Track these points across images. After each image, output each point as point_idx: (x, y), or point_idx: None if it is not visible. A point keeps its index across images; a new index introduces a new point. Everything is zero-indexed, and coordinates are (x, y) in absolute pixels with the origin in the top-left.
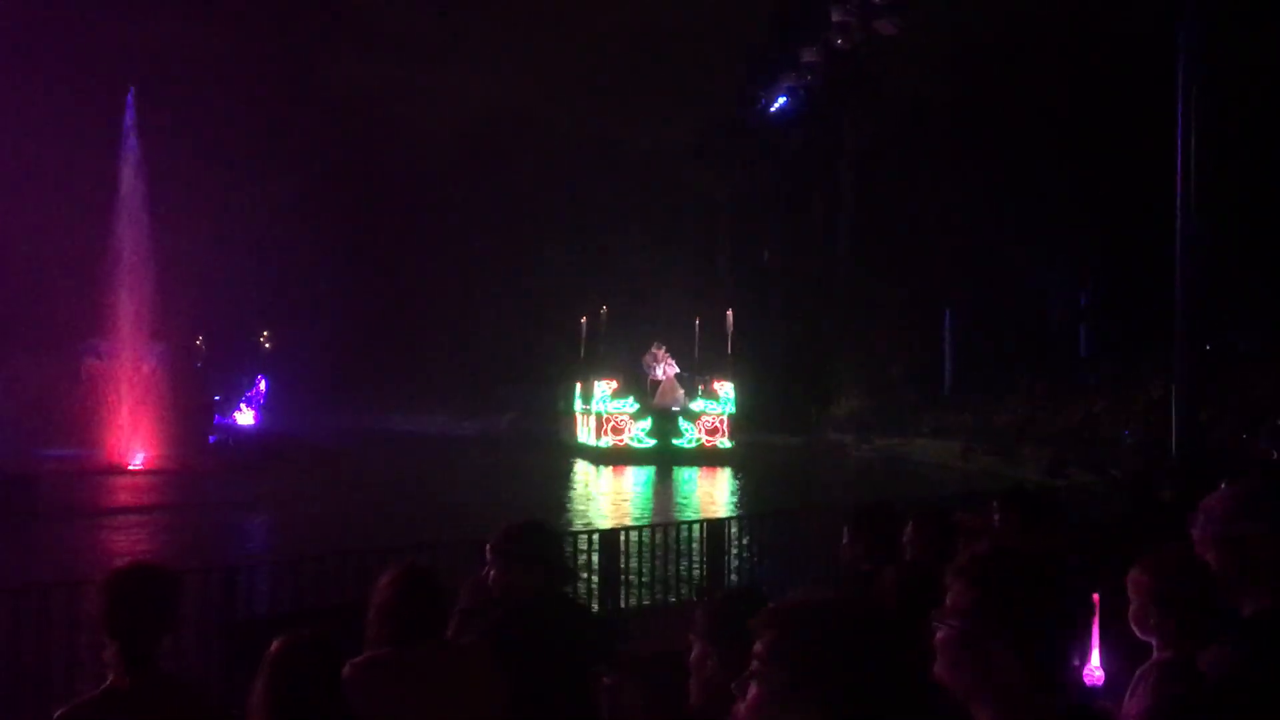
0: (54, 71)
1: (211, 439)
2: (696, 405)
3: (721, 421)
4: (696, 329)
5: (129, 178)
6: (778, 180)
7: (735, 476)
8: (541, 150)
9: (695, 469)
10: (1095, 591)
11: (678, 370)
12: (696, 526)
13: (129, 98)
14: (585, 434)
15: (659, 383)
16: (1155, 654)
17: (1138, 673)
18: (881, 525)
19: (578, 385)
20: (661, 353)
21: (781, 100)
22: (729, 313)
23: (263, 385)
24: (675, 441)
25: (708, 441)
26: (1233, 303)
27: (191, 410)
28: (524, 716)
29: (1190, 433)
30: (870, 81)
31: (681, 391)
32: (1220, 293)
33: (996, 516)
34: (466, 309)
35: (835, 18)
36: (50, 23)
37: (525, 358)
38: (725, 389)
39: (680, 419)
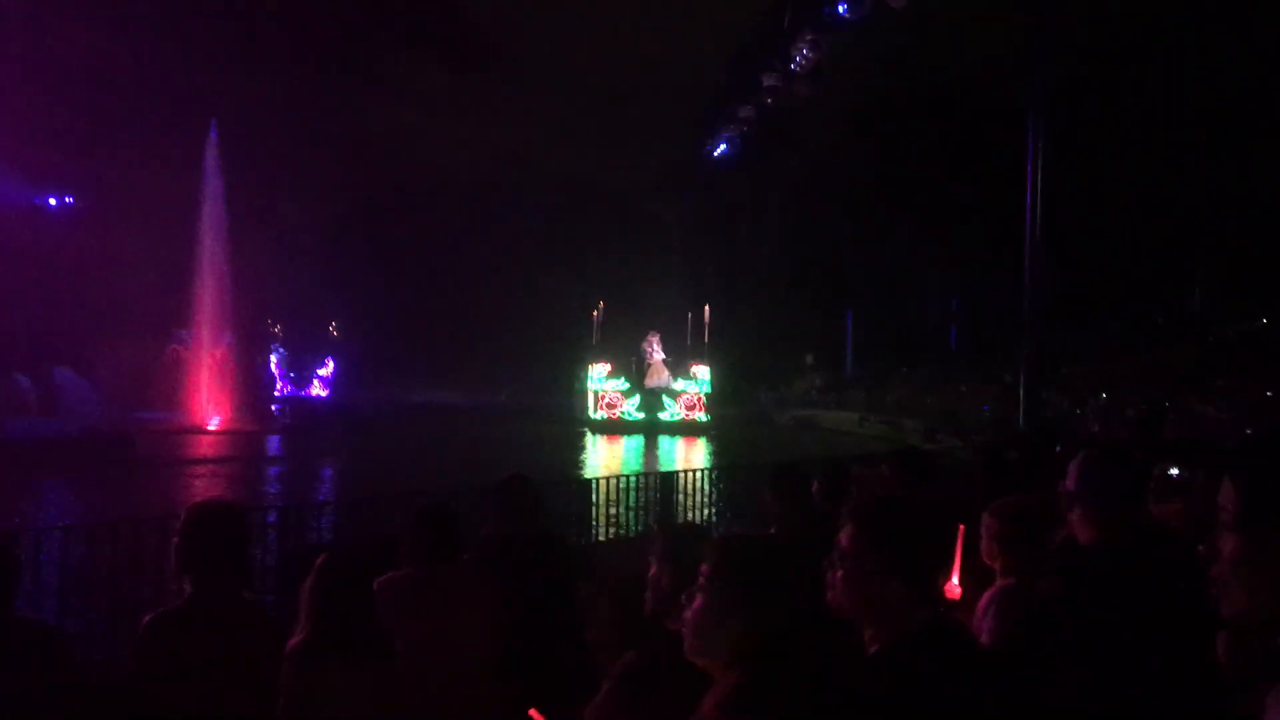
0: (151, 108)
1: (274, 408)
2: (678, 385)
3: (698, 398)
4: (689, 322)
5: (210, 195)
6: (719, 211)
7: (709, 443)
8: (539, 186)
9: (677, 438)
10: (960, 525)
11: (664, 356)
12: (652, 478)
13: (212, 126)
14: (590, 409)
15: (653, 364)
16: (999, 580)
17: (986, 596)
18: (794, 482)
19: (590, 368)
20: (655, 340)
21: (722, 147)
22: (706, 308)
23: (330, 365)
24: (660, 415)
25: (687, 415)
26: (1066, 309)
27: (257, 384)
28: (513, 626)
29: (1033, 409)
30: (791, 134)
31: (668, 373)
32: (1057, 301)
33: (886, 470)
34: (481, 308)
35: (766, 82)
36: (149, 69)
37: (523, 345)
38: (702, 372)
39: (665, 396)
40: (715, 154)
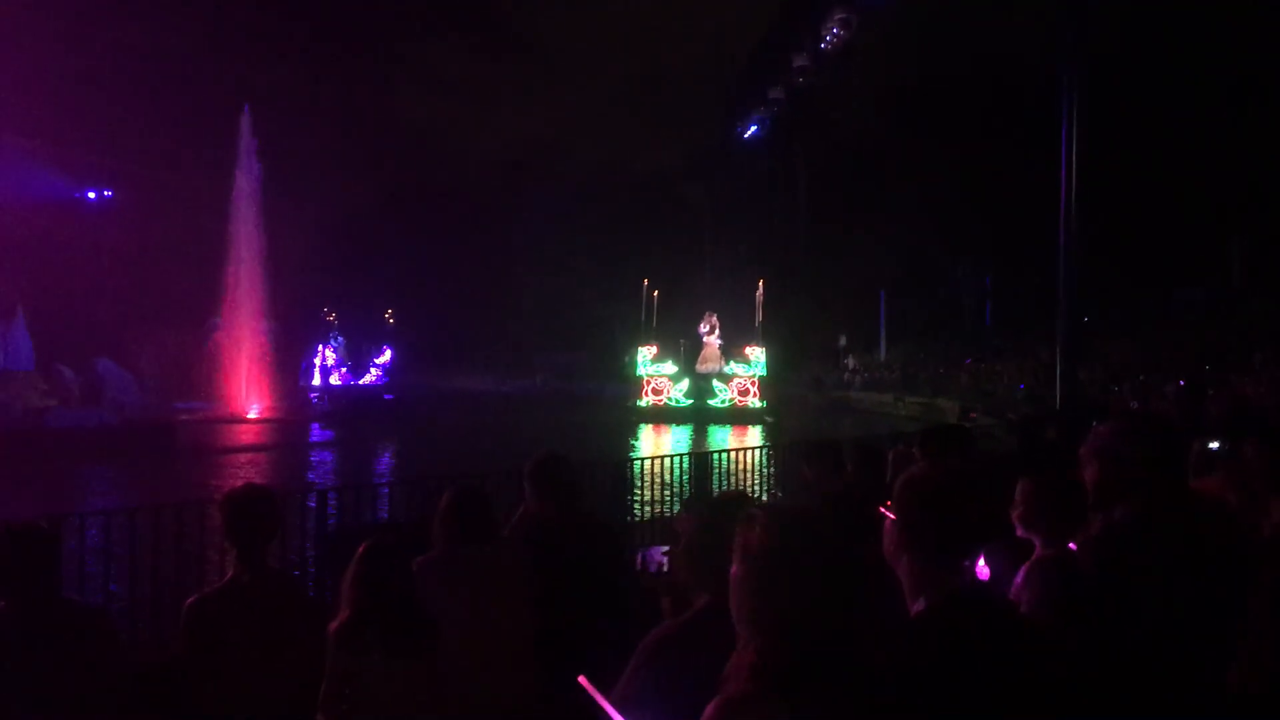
0: (187, 101)
1: (312, 396)
2: (730, 369)
3: (753, 383)
4: (756, 300)
5: (244, 183)
6: (749, 191)
7: (764, 432)
8: (570, 172)
9: (728, 427)
10: (995, 500)
11: (720, 339)
12: (688, 459)
13: (244, 111)
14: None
15: (706, 346)
16: (1039, 552)
17: (1025, 568)
18: (829, 458)
19: (637, 351)
20: (712, 320)
21: (753, 129)
22: (760, 286)
23: (388, 354)
24: (710, 402)
25: (739, 401)
26: (1105, 285)
27: (295, 372)
28: (550, 606)
29: (1070, 387)
30: (820, 115)
31: (720, 357)
32: (1094, 277)
33: (919, 449)
34: (514, 293)
35: (796, 62)
36: (183, 63)
37: (555, 331)
38: (756, 354)
39: (715, 380)
40: (745, 135)
